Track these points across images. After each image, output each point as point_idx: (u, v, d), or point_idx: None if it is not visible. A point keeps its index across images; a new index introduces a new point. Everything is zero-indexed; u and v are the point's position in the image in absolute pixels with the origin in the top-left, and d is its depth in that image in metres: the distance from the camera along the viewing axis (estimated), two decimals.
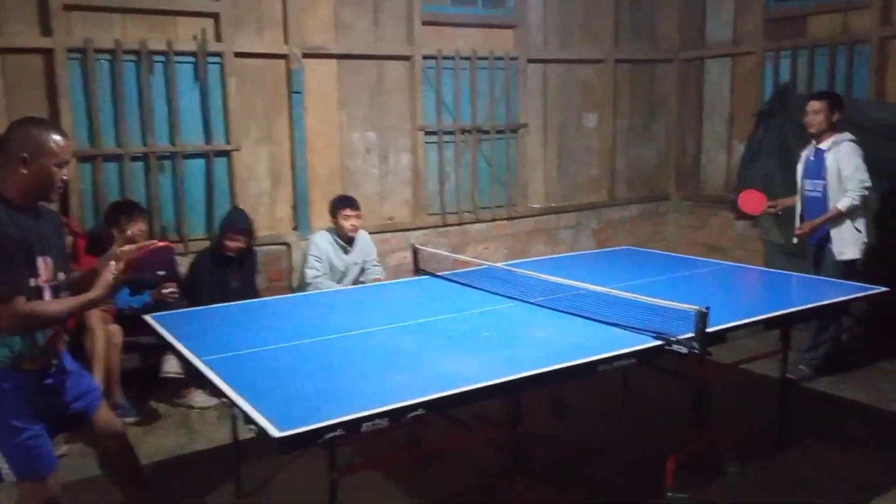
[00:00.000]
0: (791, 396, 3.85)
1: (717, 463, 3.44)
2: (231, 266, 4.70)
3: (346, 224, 4.85)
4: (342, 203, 4.91)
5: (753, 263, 5.78)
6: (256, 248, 5.00)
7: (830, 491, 3.27)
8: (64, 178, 2.46)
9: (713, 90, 7.00)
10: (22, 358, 2.38)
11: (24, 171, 2.35)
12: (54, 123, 2.52)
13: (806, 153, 4.83)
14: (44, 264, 2.40)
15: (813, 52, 6.03)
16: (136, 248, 2.57)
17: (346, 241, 4.91)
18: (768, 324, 3.06)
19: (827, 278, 4.13)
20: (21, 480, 2.42)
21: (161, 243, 2.94)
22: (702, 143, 7.15)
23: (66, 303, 2.45)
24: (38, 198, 2.46)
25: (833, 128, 4.61)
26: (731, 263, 4.50)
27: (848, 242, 4.50)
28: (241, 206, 5.03)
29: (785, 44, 6.23)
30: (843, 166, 4.51)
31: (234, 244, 4.64)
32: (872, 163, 5.49)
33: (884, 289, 3.51)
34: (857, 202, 4.47)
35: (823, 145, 4.63)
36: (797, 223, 4.81)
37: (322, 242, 4.87)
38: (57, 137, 2.41)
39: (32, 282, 2.37)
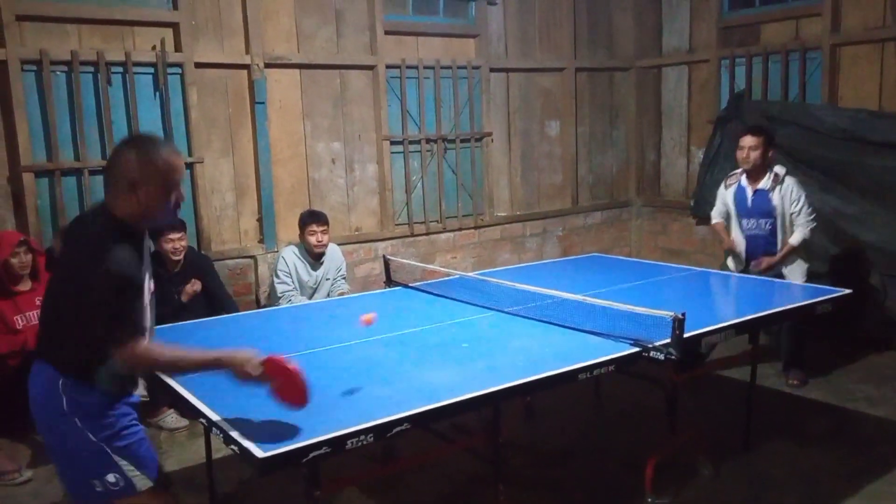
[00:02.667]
0: (758, 397, 3.93)
1: (690, 465, 3.49)
2: (174, 279, 4.45)
3: (312, 239, 4.76)
4: (309, 218, 4.83)
5: (715, 267, 5.90)
6: (204, 255, 4.87)
7: (798, 490, 3.34)
8: (181, 199, 2.30)
9: (671, 97, 7.14)
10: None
11: (134, 198, 2.19)
12: (161, 140, 2.35)
13: (734, 189, 4.74)
14: (147, 285, 2.33)
15: (767, 58, 6.19)
16: None
17: (314, 256, 4.84)
18: (740, 328, 3.12)
19: (783, 281, 4.27)
20: (155, 482, 2.33)
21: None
22: (661, 149, 7.29)
23: (193, 356, 2.29)
24: (151, 224, 2.36)
25: (767, 165, 4.61)
26: (698, 269, 4.58)
27: (797, 272, 4.61)
28: (201, 219, 4.96)
29: (739, 51, 6.39)
30: (791, 203, 4.56)
31: (172, 244, 4.37)
32: (826, 166, 5.69)
33: (848, 291, 3.61)
34: (808, 236, 4.60)
35: (762, 185, 4.60)
36: (742, 256, 4.76)
37: (289, 257, 4.80)
38: (166, 155, 2.23)
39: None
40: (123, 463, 2.26)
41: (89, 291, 2.11)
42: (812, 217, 4.63)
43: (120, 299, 2.12)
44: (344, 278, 5.05)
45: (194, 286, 4.48)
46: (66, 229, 2.35)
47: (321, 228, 4.78)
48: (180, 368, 2.37)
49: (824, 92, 5.87)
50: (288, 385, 2.22)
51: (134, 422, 2.36)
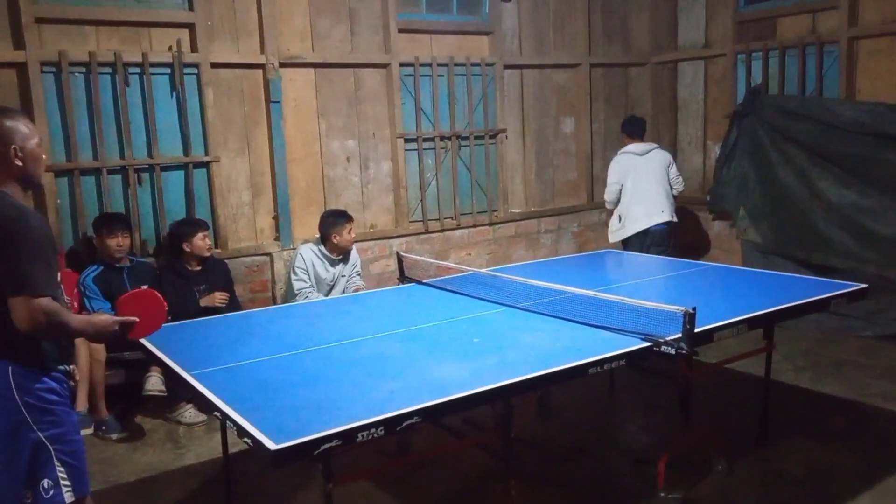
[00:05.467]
0: (774, 393, 3.91)
1: (704, 461, 3.48)
2: (196, 279, 4.63)
3: (347, 237, 4.77)
4: (341, 217, 4.81)
5: (731, 263, 5.87)
6: (223, 259, 4.96)
7: (813, 486, 3.32)
8: (44, 156, 2.47)
9: (687, 92, 7.10)
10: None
11: (20, 163, 2.31)
12: (14, 109, 2.49)
13: None
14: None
15: (783, 53, 6.14)
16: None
17: (336, 253, 4.86)
18: (753, 322, 3.10)
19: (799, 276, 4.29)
20: (80, 497, 2.35)
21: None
22: (677, 144, 7.25)
23: (80, 320, 2.42)
24: (31, 185, 2.44)
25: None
26: (711, 264, 4.56)
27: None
28: (218, 217, 5.08)
29: (755, 46, 6.34)
30: None
31: (203, 242, 4.60)
32: (843, 160, 5.64)
33: (863, 286, 3.58)
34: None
35: None
36: None
37: (307, 255, 4.83)
38: (23, 118, 2.39)
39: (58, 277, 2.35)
40: (60, 469, 2.27)
41: (16, 246, 2.17)
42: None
43: (44, 249, 2.22)
44: (359, 274, 5.08)
45: (223, 299, 4.60)
46: None
47: (348, 226, 4.80)
48: (73, 330, 2.36)
49: (842, 86, 5.81)
50: (145, 310, 2.52)
51: (75, 423, 2.40)
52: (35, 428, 2.25)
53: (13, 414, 2.23)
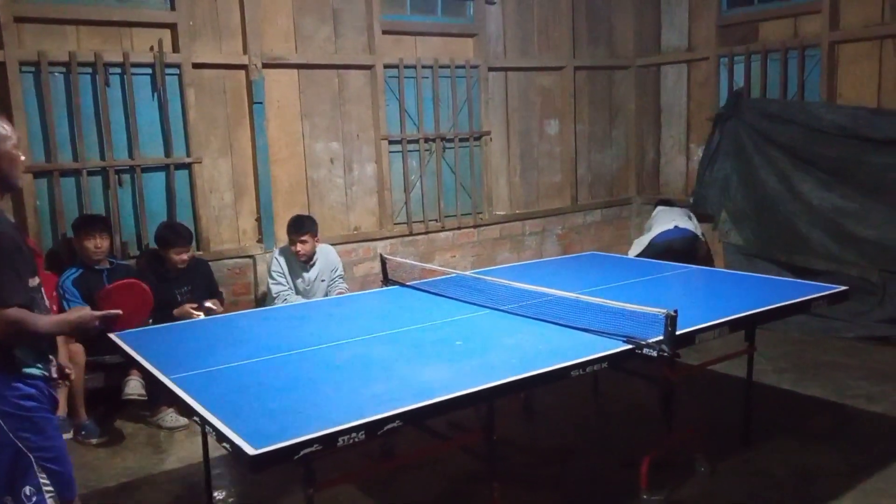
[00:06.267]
0: (756, 394, 3.93)
1: (687, 462, 3.49)
2: (177, 280, 4.57)
3: (296, 249, 4.80)
4: (290, 229, 4.85)
5: (713, 265, 5.91)
6: (204, 259, 4.91)
7: (796, 487, 3.34)
8: (23, 157, 2.42)
9: (670, 96, 7.14)
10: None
11: None
12: None
13: None
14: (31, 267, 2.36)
15: (766, 56, 6.18)
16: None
17: (300, 260, 4.86)
18: (734, 325, 3.11)
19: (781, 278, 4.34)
20: (65, 502, 2.31)
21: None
22: (660, 147, 7.28)
23: (47, 320, 2.37)
24: (7, 187, 2.40)
25: None
26: (694, 266, 4.57)
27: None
28: (200, 219, 5.02)
29: (738, 49, 6.38)
30: None
31: (178, 258, 4.53)
32: (825, 164, 5.69)
33: (844, 288, 3.61)
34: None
35: None
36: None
37: (281, 260, 4.84)
38: (0, 119, 2.35)
39: (34, 281, 2.32)
40: (42, 476, 2.23)
41: None
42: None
43: (10, 256, 2.19)
44: (342, 278, 5.06)
45: (214, 308, 4.54)
46: None
47: (300, 238, 4.78)
48: (42, 331, 2.33)
49: (823, 89, 5.86)
50: (128, 302, 2.54)
51: (55, 427, 2.36)
52: (12, 436, 2.20)
53: None
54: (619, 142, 7.38)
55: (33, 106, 4.51)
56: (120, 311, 2.47)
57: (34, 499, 2.22)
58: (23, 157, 2.44)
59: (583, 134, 7.08)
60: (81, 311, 2.45)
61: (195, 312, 4.39)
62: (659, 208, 6.54)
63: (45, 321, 2.34)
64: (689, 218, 6.39)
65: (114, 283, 2.61)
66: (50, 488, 2.25)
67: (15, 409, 2.21)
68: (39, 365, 2.31)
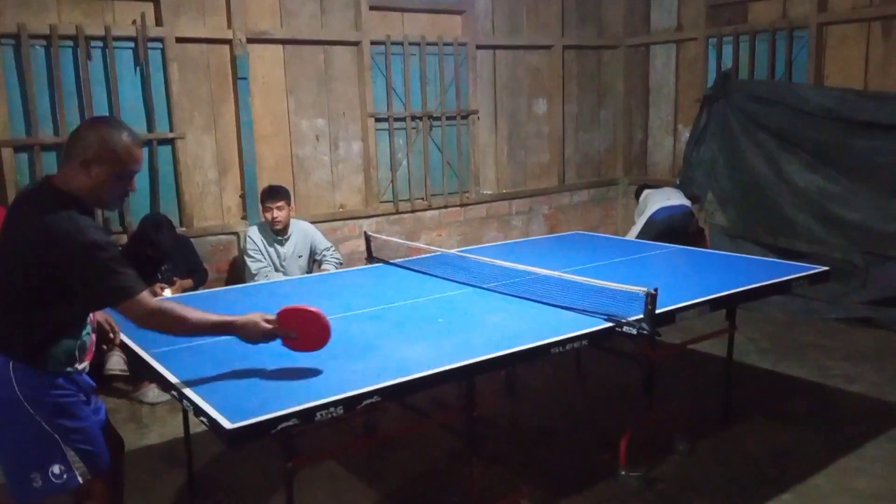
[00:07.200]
0: (736, 374, 3.96)
1: (666, 441, 3.52)
2: (153, 259, 4.49)
3: (268, 216, 4.75)
4: (264, 196, 4.80)
5: (705, 238, 5.95)
6: (185, 236, 4.88)
7: (773, 466, 3.37)
8: (130, 189, 2.28)
9: (658, 76, 7.12)
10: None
11: (85, 175, 2.16)
12: (128, 128, 2.24)
13: None
14: None
15: (754, 37, 6.17)
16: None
17: (276, 233, 4.82)
18: (714, 304, 3.13)
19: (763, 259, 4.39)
20: (97, 476, 2.26)
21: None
22: (648, 128, 7.27)
23: (203, 316, 2.28)
24: (96, 206, 2.26)
25: None
26: (677, 246, 4.59)
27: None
28: (183, 195, 4.97)
29: (727, 30, 6.36)
30: None
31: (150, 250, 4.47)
32: (811, 145, 5.71)
33: (825, 269, 3.63)
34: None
35: None
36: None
37: (255, 236, 4.81)
38: (127, 142, 2.18)
39: None
40: (71, 454, 2.19)
41: (76, 267, 2.08)
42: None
43: (112, 257, 2.11)
44: (329, 250, 4.98)
45: (184, 284, 4.54)
46: (9, 208, 2.25)
47: (276, 205, 4.72)
48: (189, 328, 2.30)
49: (811, 71, 5.86)
50: (306, 328, 2.34)
51: (86, 408, 2.31)
52: (39, 419, 2.16)
53: (15, 407, 2.14)
54: (607, 122, 7.37)
55: (13, 79, 4.44)
56: (296, 335, 2.36)
57: (64, 476, 2.19)
58: (132, 189, 2.30)
59: (571, 114, 7.06)
60: (251, 317, 2.33)
61: (160, 292, 4.35)
62: (646, 192, 6.51)
63: (197, 316, 2.26)
64: (681, 193, 6.39)
65: (300, 307, 2.45)
66: (81, 465, 2.22)
67: (41, 396, 2.17)
68: (69, 368, 2.24)
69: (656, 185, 6.68)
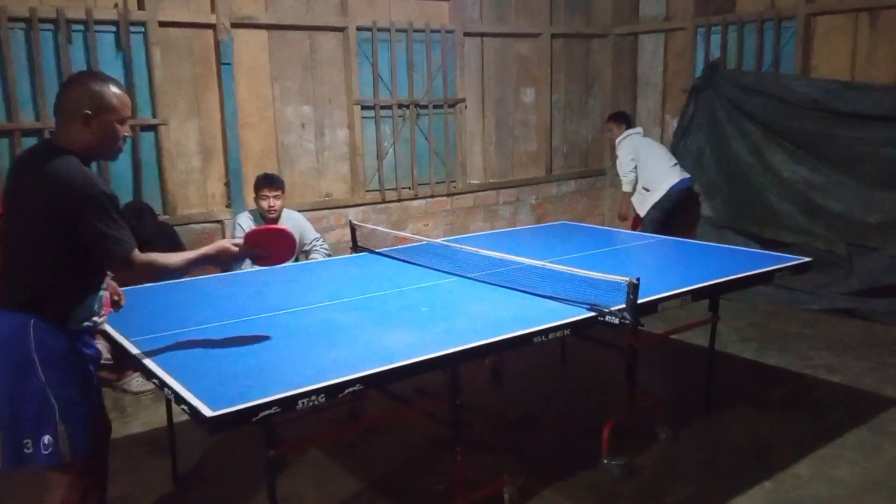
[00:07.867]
0: (719, 364, 3.98)
1: (648, 429, 3.54)
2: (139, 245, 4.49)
3: (264, 204, 4.69)
4: (261, 182, 4.73)
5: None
6: (169, 224, 4.86)
7: (754, 454, 3.40)
8: (126, 134, 2.38)
9: (646, 65, 7.11)
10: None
11: (87, 130, 2.25)
12: (112, 77, 2.36)
13: None
14: None
15: (742, 27, 6.17)
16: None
17: (268, 222, 4.78)
18: (697, 294, 3.14)
19: (747, 249, 4.41)
20: (75, 459, 2.28)
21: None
22: (636, 118, 7.27)
23: (181, 256, 2.48)
24: (100, 157, 2.42)
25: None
26: (663, 237, 4.60)
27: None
28: (166, 182, 4.94)
29: (715, 20, 6.36)
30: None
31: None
32: (797, 136, 5.73)
33: (808, 259, 3.65)
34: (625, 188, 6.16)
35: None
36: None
37: (245, 223, 4.75)
38: (117, 91, 2.29)
39: None
40: (61, 428, 2.22)
41: (88, 216, 2.17)
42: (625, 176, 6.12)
43: (118, 211, 2.25)
44: (323, 244, 4.95)
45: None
46: (14, 172, 2.33)
47: (273, 193, 4.67)
48: (174, 270, 2.48)
49: (798, 62, 5.87)
50: (272, 245, 2.59)
51: (91, 382, 2.36)
52: (46, 385, 2.21)
53: (27, 367, 2.19)
54: (595, 112, 7.36)
55: None
56: (263, 253, 2.58)
57: (50, 449, 2.23)
58: (128, 133, 2.40)
59: (559, 103, 7.05)
60: (220, 244, 2.53)
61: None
62: (633, 137, 6.15)
63: (177, 258, 2.46)
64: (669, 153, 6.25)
65: (264, 226, 2.78)
66: (66, 443, 2.25)
67: (57, 359, 2.23)
68: (88, 324, 2.36)
69: (630, 123, 6.40)
